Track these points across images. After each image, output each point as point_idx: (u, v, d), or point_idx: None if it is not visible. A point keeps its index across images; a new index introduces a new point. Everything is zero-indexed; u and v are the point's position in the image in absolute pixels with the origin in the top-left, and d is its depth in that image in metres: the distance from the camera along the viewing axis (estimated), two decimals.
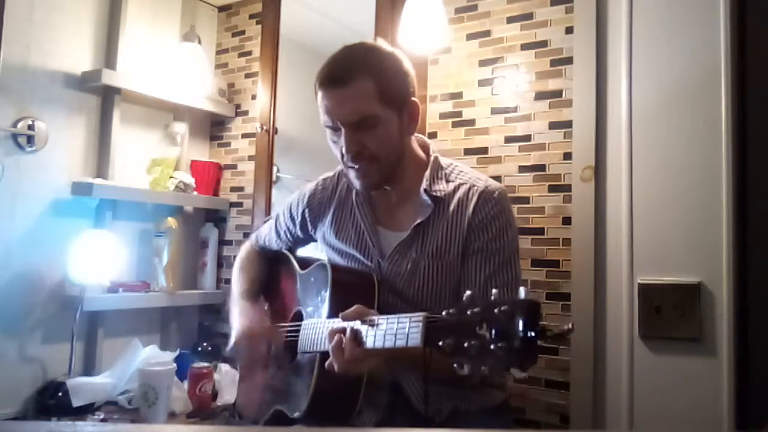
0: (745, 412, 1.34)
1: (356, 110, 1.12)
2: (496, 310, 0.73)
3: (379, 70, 1.15)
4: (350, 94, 1.12)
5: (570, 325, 0.72)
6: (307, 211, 1.37)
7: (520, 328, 0.70)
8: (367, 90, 1.12)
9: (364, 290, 1.15)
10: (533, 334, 0.69)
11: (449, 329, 0.79)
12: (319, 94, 1.16)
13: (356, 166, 1.17)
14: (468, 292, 0.79)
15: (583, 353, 1.51)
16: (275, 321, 1.35)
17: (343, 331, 1.00)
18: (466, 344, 0.75)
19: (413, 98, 1.21)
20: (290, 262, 1.39)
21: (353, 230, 1.28)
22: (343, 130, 1.14)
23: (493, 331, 0.72)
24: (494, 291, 0.76)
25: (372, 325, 0.96)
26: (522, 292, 0.72)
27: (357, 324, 0.99)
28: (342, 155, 1.18)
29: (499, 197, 1.20)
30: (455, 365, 0.76)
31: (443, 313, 0.81)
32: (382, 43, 1.22)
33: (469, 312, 0.76)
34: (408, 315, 0.89)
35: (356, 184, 1.21)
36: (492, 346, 0.72)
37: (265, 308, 1.40)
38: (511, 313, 0.71)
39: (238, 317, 1.32)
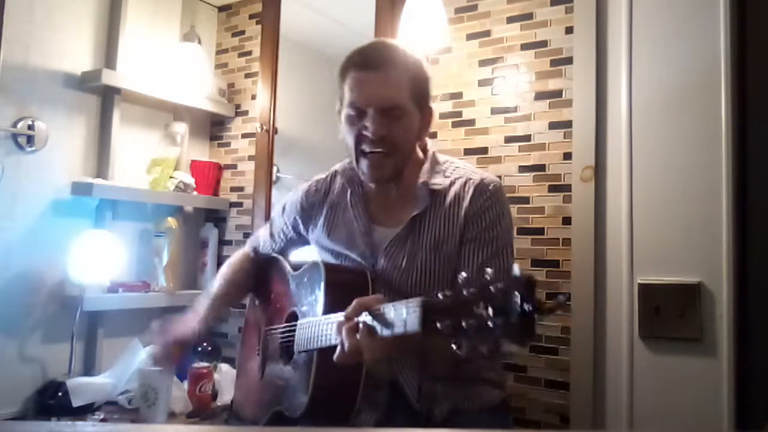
0: (745, 412, 1.34)
1: (390, 96, 1.14)
2: (492, 288, 0.73)
3: (413, 67, 1.18)
4: (387, 79, 1.14)
5: (563, 298, 0.73)
6: (299, 212, 1.37)
7: (517, 303, 0.70)
8: (402, 80, 1.15)
9: (357, 287, 1.15)
10: (530, 308, 0.69)
11: (446, 311, 0.79)
12: (350, 76, 1.17)
13: (372, 154, 1.16)
14: (463, 274, 0.79)
15: (583, 353, 1.51)
16: (270, 324, 1.35)
17: (355, 325, 0.98)
18: (464, 324, 0.75)
19: (431, 104, 1.24)
20: (282, 265, 1.39)
21: (345, 231, 1.28)
22: (370, 112, 1.14)
23: (490, 309, 0.73)
24: (489, 270, 0.77)
25: (372, 314, 0.96)
26: (516, 269, 0.73)
27: (363, 316, 0.99)
28: (358, 141, 1.17)
29: (494, 189, 1.21)
30: (453, 345, 0.76)
31: (439, 295, 0.81)
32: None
33: (465, 292, 0.76)
34: (404, 301, 0.88)
35: (367, 174, 1.20)
36: (490, 324, 0.72)
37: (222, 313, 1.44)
38: (507, 290, 0.71)
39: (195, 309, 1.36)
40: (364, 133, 1.16)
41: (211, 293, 1.41)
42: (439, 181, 1.22)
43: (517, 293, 0.70)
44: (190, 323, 1.32)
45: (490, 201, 1.19)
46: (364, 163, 1.19)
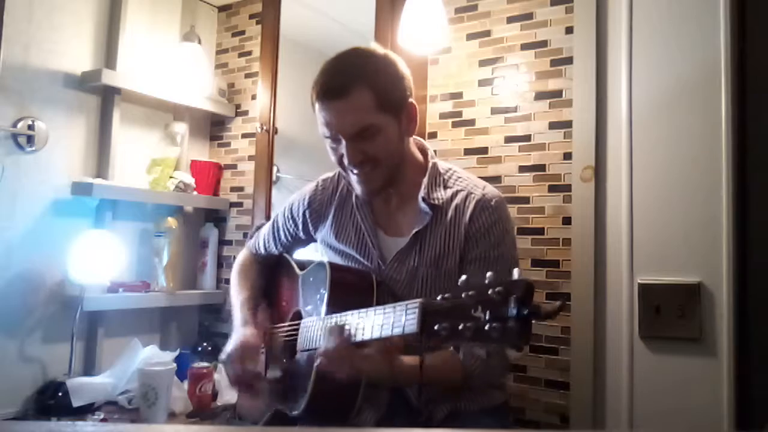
0: (745, 412, 1.34)
1: (356, 122, 1.12)
2: (490, 292, 0.73)
3: (376, 78, 1.14)
4: (349, 106, 1.12)
5: (560, 303, 0.73)
6: (307, 212, 1.37)
7: (514, 307, 0.70)
8: (365, 100, 1.12)
9: (362, 289, 1.15)
10: (526, 312, 0.70)
11: (445, 314, 0.79)
12: (317, 106, 1.16)
13: (358, 172, 1.17)
14: (463, 277, 0.80)
15: (583, 353, 1.51)
16: (275, 322, 1.35)
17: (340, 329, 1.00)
18: (461, 327, 0.75)
19: (410, 100, 1.21)
20: (289, 264, 1.39)
21: (353, 232, 1.28)
22: (342, 140, 1.15)
23: (488, 313, 0.73)
24: (489, 274, 0.76)
25: (368, 315, 0.97)
26: (515, 273, 0.73)
27: (352, 320, 0.99)
28: (341, 162, 1.18)
29: (497, 205, 1.20)
30: (451, 348, 0.76)
31: (438, 298, 0.81)
32: (375, 47, 1.22)
33: (463, 295, 0.77)
34: (404, 303, 0.89)
35: (358, 189, 1.21)
36: (486, 327, 0.72)
37: (265, 314, 1.40)
38: (505, 294, 0.72)
39: (235, 329, 1.31)
40: (343, 160, 1.16)
41: (239, 302, 1.39)
42: (440, 195, 1.21)
43: (515, 297, 0.70)
44: (252, 341, 1.26)
45: (493, 218, 1.18)
46: (353, 179, 1.20)
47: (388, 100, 1.15)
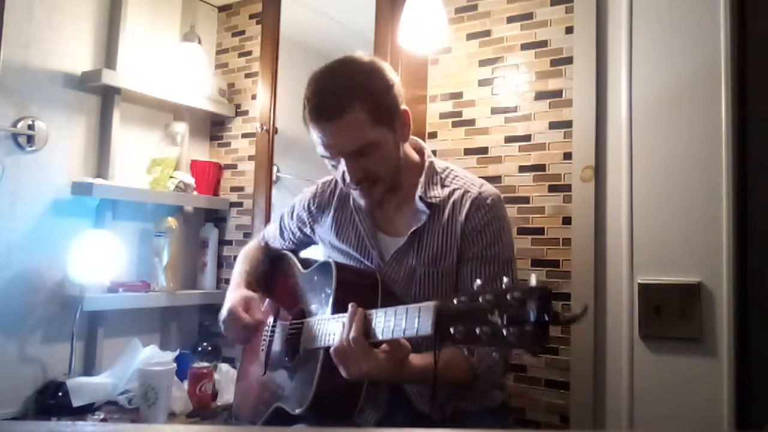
0: (745, 412, 1.34)
1: (353, 141, 1.12)
2: (508, 296, 0.73)
3: (367, 93, 1.12)
4: (344, 125, 1.11)
5: (583, 308, 0.73)
6: (306, 214, 1.39)
7: (533, 312, 0.70)
8: (359, 119, 1.11)
9: (367, 288, 1.16)
10: (546, 317, 0.70)
11: (460, 317, 0.79)
12: (311, 126, 1.15)
13: (360, 187, 1.17)
14: (478, 281, 0.80)
15: (583, 353, 1.51)
16: (277, 320, 1.35)
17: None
18: (477, 331, 0.75)
19: (402, 107, 1.19)
20: (293, 263, 1.39)
21: (353, 233, 1.29)
22: (341, 160, 1.15)
23: (505, 317, 0.73)
24: (505, 279, 0.77)
25: (380, 316, 0.97)
26: (533, 278, 0.73)
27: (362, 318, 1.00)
28: (344, 179, 1.18)
29: (492, 203, 1.19)
30: (465, 351, 0.76)
31: (454, 300, 0.81)
32: (360, 56, 1.19)
33: (480, 299, 0.76)
34: (418, 304, 0.89)
35: (361, 203, 1.23)
36: (504, 332, 0.72)
37: (266, 301, 1.42)
38: (524, 299, 0.71)
39: (231, 290, 1.35)
40: (345, 177, 1.16)
41: (239, 272, 1.43)
42: (436, 193, 1.21)
43: (533, 302, 0.70)
44: (253, 296, 1.32)
45: (489, 216, 1.17)
46: (355, 194, 1.21)
47: (382, 113, 1.14)
